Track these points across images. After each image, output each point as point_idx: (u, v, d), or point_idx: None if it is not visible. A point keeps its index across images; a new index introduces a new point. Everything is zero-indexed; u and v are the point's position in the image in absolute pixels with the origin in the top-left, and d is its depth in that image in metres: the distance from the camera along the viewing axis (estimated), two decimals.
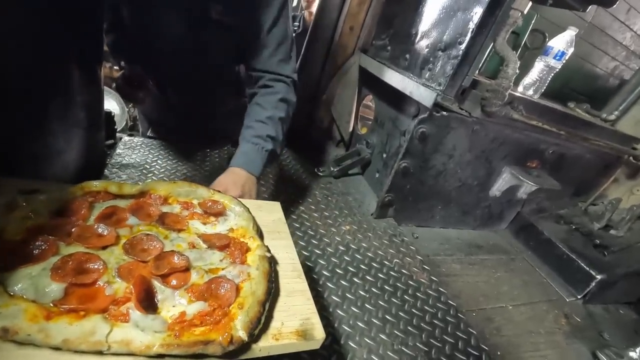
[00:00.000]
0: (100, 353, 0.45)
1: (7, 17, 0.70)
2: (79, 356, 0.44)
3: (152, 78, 1.33)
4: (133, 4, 1.11)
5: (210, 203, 0.77)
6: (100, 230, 0.61)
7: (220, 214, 0.76)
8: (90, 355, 0.45)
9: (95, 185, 0.70)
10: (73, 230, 0.59)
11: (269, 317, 0.58)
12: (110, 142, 1.39)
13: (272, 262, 0.67)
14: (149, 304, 0.52)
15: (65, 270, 0.51)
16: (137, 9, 1.12)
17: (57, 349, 0.44)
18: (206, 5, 1.10)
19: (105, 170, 1.22)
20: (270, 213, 0.86)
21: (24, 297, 0.47)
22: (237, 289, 0.58)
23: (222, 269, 0.62)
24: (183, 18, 1.12)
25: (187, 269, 0.59)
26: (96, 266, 0.54)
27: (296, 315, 0.60)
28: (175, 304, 0.54)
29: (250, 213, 0.78)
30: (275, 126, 1.14)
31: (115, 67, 3.62)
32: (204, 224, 0.73)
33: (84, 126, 0.96)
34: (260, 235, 0.76)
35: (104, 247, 0.59)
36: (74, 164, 0.95)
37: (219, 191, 0.82)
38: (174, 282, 0.56)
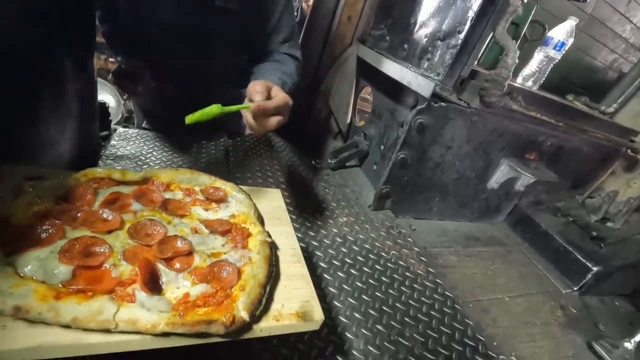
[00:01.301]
0: (108, 331, 0.47)
1: None
2: (87, 334, 0.46)
3: (150, 69, 1.30)
4: None
5: (211, 190, 0.79)
6: (105, 215, 0.62)
7: (221, 200, 0.77)
8: (98, 333, 0.47)
9: (99, 171, 0.72)
10: (78, 215, 0.61)
11: (270, 300, 0.60)
12: (104, 133, 1.38)
13: (273, 247, 0.69)
14: (153, 285, 0.53)
15: (73, 253, 0.53)
16: None
17: (66, 326, 0.45)
18: None
19: (100, 162, 1.20)
20: (271, 200, 0.87)
21: (34, 278, 0.49)
22: (239, 272, 0.59)
23: (224, 253, 0.64)
24: (184, 6, 1.09)
25: (190, 253, 0.61)
26: (102, 249, 0.56)
27: (296, 298, 0.62)
28: (179, 285, 0.55)
29: (252, 200, 0.80)
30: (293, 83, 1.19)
31: (111, 59, 3.59)
32: (206, 210, 0.75)
33: (76, 117, 0.96)
34: (261, 222, 0.77)
35: (109, 232, 0.60)
36: (67, 154, 0.95)
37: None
38: (177, 265, 0.58)
